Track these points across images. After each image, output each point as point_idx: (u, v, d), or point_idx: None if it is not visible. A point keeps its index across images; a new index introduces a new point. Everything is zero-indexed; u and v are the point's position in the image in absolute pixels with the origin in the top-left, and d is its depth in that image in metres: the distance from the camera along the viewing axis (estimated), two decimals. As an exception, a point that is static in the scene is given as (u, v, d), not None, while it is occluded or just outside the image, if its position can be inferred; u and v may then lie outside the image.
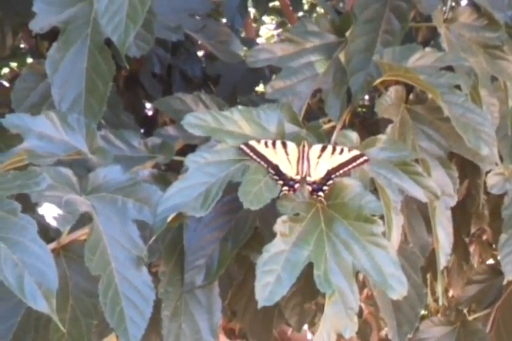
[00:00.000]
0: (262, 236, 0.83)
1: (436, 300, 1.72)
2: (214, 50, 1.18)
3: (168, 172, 0.90)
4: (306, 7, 1.98)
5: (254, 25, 1.78)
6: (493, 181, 1.10)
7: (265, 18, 2.42)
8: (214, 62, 1.37)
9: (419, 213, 1.01)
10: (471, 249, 1.63)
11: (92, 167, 0.81)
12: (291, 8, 1.62)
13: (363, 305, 1.55)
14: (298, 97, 0.92)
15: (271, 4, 1.77)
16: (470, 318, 1.16)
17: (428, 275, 1.47)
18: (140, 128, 1.33)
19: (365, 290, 1.42)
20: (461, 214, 1.39)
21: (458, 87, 0.88)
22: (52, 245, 0.78)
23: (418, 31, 1.18)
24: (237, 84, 1.33)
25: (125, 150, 0.92)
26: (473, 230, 1.42)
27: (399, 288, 0.74)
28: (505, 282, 1.12)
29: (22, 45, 1.70)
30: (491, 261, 1.67)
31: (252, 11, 1.73)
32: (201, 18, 1.21)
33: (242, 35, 1.69)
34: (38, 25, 0.95)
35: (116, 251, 0.74)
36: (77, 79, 0.94)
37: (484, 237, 1.57)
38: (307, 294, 1.09)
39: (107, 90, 0.93)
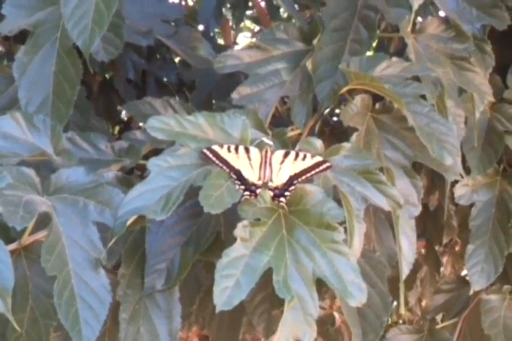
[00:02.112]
0: (223, 241, 0.83)
1: (410, 310, 1.72)
2: (184, 56, 1.18)
3: (133, 175, 0.90)
4: (284, 16, 1.99)
5: (232, 32, 1.78)
6: (460, 192, 1.11)
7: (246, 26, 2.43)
8: (189, 68, 1.37)
9: (386, 222, 1.01)
10: (444, 259, 1.64)
11: (57, 169, 0.81)
12: (268, 16, 1.63)
13: (336, 314, 1.55)
14: (264, 104, 0.92)
15: (249, 12, 1.79)
16: (437, 327, 1.17)
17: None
18: (112, 134, 1.34)
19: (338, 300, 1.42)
20: (433, 225, 1.41)
21: (423, 97, 0.88)
22: (14, 246, 0.78)
23: (390, 42, 1.19)
24: (212, 91, 1.33)
25: (91, 152, 0.91)
26: (445, 241, 1.43)
27: (358, 296, 0.74)
28: (471, 292, 1.13)
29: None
30: (465, 272, 1.68)
31: (230, 18, 1.74)
32: (174, 24, 1.21)
33: (221, 42, 1.70)
34: (7, 27, 0.96)
35: (74, 252, 0.74)
36: (44, 82, 0.95)
37: (457, 248, 1.58)
38: (275, 301, 1.09)
39: (74, 94, 0.94)
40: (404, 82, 0.88)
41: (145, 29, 1.16)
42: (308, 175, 0.78)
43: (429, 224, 1.43)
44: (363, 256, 0.95)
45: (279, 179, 0.78)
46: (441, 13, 1.06)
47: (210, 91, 1.33)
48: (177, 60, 1.54)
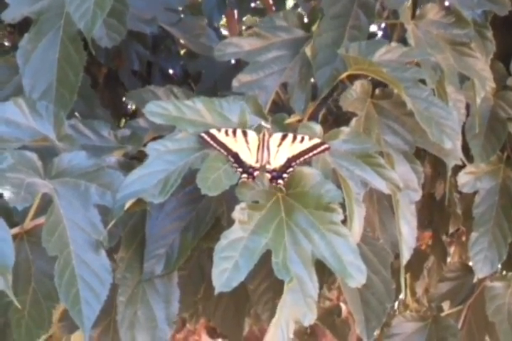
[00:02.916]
0: (223, 226, 0.83)
1: (417, 301, 1.72)
2: (188, 44, 1.19)
3: (135, 160, 0.90)
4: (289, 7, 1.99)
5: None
6: (464, 180, 1.11)
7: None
8: (194, 59, 1.37)
9: (390, 210, 1.01)
10: (451, 249, 1.64)
11: (59, 154, 0.82)
12: (274, 8, 1.63)
13: (342, 304, 1.55)
14: (264, 91, 0.92)
15: (254, 5, 1.78)
16: (442, 314, 1.17)
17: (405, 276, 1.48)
18: (118, 126, 1.35)
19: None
20: (439, 215, 1.41)
21: (423, 81, 0.88)
22: (16, 229, 0.79)
23: (393, 30, 1.19)
24: (217, 81, 1.33)
25: (94, 139, 0.92)
26: (452, 231, 1.43)
27: (358, 276, 0.74)
28: (475, 280, 1.12)
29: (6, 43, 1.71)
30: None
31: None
32: (177, 12, 1.22)
33: (226, 34, 1.71)
34: (10, 15, 0.97)
35: (75, 234, 0.75)
36: (48, 69, 0.95)
37: (463, 238, 1.58)
38: (279, 290, 1.09)
39: (78, 80, 0.94)
40: (403, 67, 0.88)
41: (149, 17, 1.16)
42: (307, 156, 0.78)
43: (435, 214, 1.43)
44: (366, 243, 0.95)
45: (277, 161, 0.78)
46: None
47: (216, 81, 1.33)
48: (182, 51, 1.54)
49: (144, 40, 1.36)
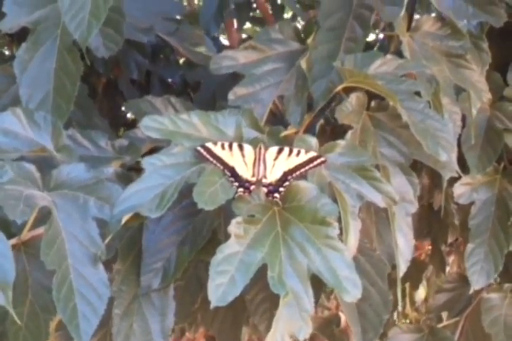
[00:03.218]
0: (219, 240, 0.83)
1: (416, 310, 1.72)
2: (186, 53, 1.19)
3: (133, 172, 0.91)
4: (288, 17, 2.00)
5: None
6: (460, 191, 1.11)
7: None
8: (193, 68, 1.38)
9: (387, 221, 1.01)
10: (450, 259, 1.64)
11: (57, 165, 0.82)
12: (272, 17, 1.63)
13: (341, 314, 1.55)
14: (260, 104, 0.93)
15: (253, 14, 1.79)
16: (439, 326, 1.17)
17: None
18: (116, 135, 1.35)
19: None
20: (438, 225, 1.41)
21: (418, 94, 0.89)
22: (14, 241, 0.79)
23: (391, 42, 1.19)
24: (216, 91, 1.34)
25: (92, 150, 0.92)
26: (450, 240, 1.43)
27: (353, 291, 0.74)
28: (471, 291, 1.12)
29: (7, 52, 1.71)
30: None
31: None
32: (175, 21, 1.22)
33: (226, 43, 1.71)
34: (8, 25, 0.97)
35: (74, 247, 0.75)
36: (45, 79, 0.96)
37: (462, 247, 1.58)
38: (276, 300, 1.09)
39: (74, 90, 0.94)
40: (398, 79, 0.88)
41: (146, 26, 1.17)
42: (303, 170, 0.79)
43: (434, 224, 1.43)
44: (364, 254, 0.95)
45: (273, 175, 0.78)
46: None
47: (214, 91, 1.33)
48: (181, 60, 1.54)
49: (142, 49, 1.37)
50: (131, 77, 1.40)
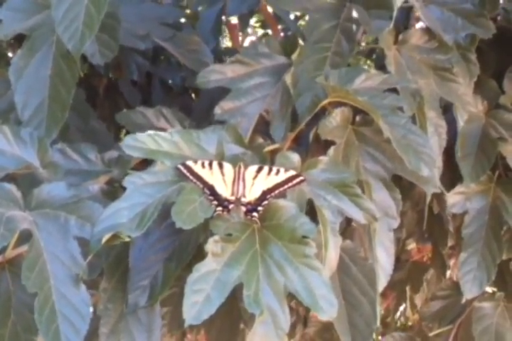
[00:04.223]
0: (204, 256, 0.84)
1: (417, 312, 1.72)
2: (183, 59, 1.19)
3: (120, 187, 0.91)
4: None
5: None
6: (453, 200, 1.11)
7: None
8: (194, 73, 1.38)
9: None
10: (451, 262, 1.63)
11: (42, 181, 0.83)
12: (274, 20, 1.63)
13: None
14: (246, 118, 0.93)
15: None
16: (431, 334, 1.17)
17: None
18: (116, 136, 1.36)
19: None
20: (438, 228, 1.41)
21: (401, 109, 0.89)
22: (-3, 259, 0.80)
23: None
24: (215, 98, 1.34)
25: (81, 163, 0.93)
26: (451, 243, 1.43)
27: (329, 310, 0.74)
28: (463, 300, 1.13)
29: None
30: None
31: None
32: (171, 26, 1.22)
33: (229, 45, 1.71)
34: (3, 32, 0.98)
35: (56, 268, 0.75)
36: (40, 86, 0.96)
37: (461, 251, 1.58)
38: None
39: (69, 97, 0.95)
40: (381, 94, 0.88)
41: (143, 32, 1.17)
42: (282, 189, 0.79)
43: (434, 227, 1.43)
44: (356, 263, 0.96)
45: (252, 194, 0.79)
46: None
47: (213, 99, 1.34)
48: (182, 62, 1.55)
49: (143, 50, 1.37)
50: (131, 79, 1.41)
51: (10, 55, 1.74)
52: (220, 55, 1.40)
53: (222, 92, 1.30)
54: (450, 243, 1.42)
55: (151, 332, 0.87)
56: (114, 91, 1.46)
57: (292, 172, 0.80)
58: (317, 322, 1.43)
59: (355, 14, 0.95)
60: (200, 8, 1.56)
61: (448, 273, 1.58)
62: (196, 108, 1.32)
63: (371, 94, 0.88)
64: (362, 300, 0.97)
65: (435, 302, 1.24)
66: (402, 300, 1.61)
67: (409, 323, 1.79)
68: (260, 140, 0.95)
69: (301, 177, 0.80)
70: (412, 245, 1.54)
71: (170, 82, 1.50)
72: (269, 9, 1.72)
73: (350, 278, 0.93)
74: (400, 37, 0.98)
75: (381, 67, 1.04)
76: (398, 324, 1.76)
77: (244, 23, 1.66)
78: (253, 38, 2.55)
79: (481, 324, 1.13)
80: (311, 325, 1.39)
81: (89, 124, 1.15)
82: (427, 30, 0.98)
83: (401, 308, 1.70)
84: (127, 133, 1.53)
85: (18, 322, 0.79)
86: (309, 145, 0.98)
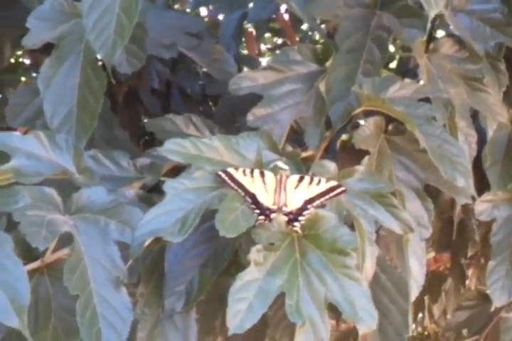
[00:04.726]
0: (241, 262, 0.84)
1: (435, 322, 1.73)
2: (208, 68, 1.20)
3: (155, 193, 0.92)
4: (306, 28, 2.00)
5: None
6: (481, 208, 1.11)
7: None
8: (213, 81, 1.38)
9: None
10: (469, 272, 1.64)
11: (79, 186, 0.83)
12: (291, 28, 1.64)
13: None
14: (279, 125, 0.93)
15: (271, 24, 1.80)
16: (460, 344, 1.17)
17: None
18: (135, 144, 1.36)
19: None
20: (458, 238, 1.41)
21: (435, 118, 0.89)
22: (36, 264, 0.80)
23: (409, 58, 1.20)
24: (235, 105, 1.34)
25: (114, 170, 0.93)
26: (471, 253, 1.43)
27: (369, 321, 0.75)
28: (492, 309, 1.12)
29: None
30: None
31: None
32: (196, 36, 1.23)
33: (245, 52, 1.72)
34: (31, 41, 0.98)
35: (96, 271, 0.75)
36: (69, 94, 0.96)
37: (482, 260, 1.58)
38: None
39: (98, 106, 0.95)
40: (416, 104, 0.89)
41: (168, 42, 1.18)
42: (323, 199, 0.79)
43: (454, 238, 1.43)
44: (385, 272, 0.96)
45: (294, 203, 0.79)
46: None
47: (233, 105, 1.34)
48: (201, 70, 1.55)
49: (163, 58, 1.37)
50: (152, 86, 1.41)
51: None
52: (237, 63, 1.40)
53: (242, 100, 1.31)
54: (470, 253, 1.42)
55: (186, 337, 0.87)
56: (134, 99, 1.46)
57: (333, 183, 0.81)
58: (336, 331, 1.43)
59: (386, 22, 0.95)
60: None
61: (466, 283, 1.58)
62: (216, 115, 1.33)
63: (405, 103, 0.88)
64: (391, 308, 0.96)
65: (461, 313, 1.23)
66: (420, 309, 1.61)
67: (427, 333, 1.79)
68: (290, 147, 0.95)
69: (342, 188, 0.80)
70: (429, 254, 1.54)
71: (188, 90, 1.50)
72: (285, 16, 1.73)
73: (379, 287, 0.94)
74: (431, 46, 0.98)
75: (403, 75, 1.05)
76: (415, 333, 1.75)
77: (261, 31, 1.67)
78: (268, 46, 2.56)
79: (509, 334, 1.12)
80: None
81: (113, 133, 1.16)
82: (458, 39, 0.98)
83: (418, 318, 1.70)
84: (146, 141, 1.54)
85: (59, 325, 0.79)
86: (337, 153, 0.99)
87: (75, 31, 0.97)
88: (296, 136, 0.99)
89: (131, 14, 0.88)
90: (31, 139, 0.85)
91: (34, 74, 1.63)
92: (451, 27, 0.98)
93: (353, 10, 0.98)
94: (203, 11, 2.15)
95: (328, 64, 0.95)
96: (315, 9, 1.00)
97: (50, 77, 0.97)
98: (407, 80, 0.91)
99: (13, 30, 1.38)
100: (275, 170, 0.81)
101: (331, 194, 0.80)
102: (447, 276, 1.56)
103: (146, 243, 0.75)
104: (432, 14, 0.87)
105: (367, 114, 0.94)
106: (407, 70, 1.14)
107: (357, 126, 0.93)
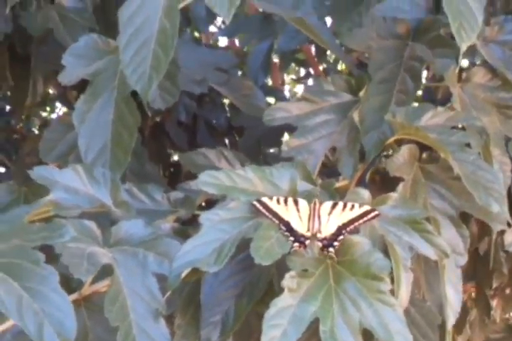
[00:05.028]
0: (275, 291, 0.85)
1: (459, 354, 1.69)
2: (237, 103, 1.22)
3: (189, 226, 0.93)
4: (331, 59, 2.02)
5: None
6: (511, 239, 1.10)
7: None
8: (238, 112, 1.41)
9: (437, 270, 1.01)
10: (494, 302, 1.61)
11: (116, 219, 0.85)
12: (315, 59, 1.66)
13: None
14: (313, 155, 0.94)
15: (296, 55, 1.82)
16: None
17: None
18: (164, 178, 1.38)
19: None
20: (483, 270, 1.39)
21: (469, 145, 0.90)
22: (74, 296, 0.81)
23: (437, 89, 1.21)
24: (260, 137, 1.36)
25: (148, 203, 0.95)
26: (496, 284, 1.41)
27: (404, 345, 0.75)
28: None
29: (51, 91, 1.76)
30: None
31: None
32: (226, 71, 1.25)
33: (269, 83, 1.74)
34: (67, 78, 1.00)
35: (135, 303, 0.76)
36: (103, 130, 0.99)
37: (507, 291, 1.55)
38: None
39: (132, 141, 0.98)
40: (449, 131, 0.89)
41: (199, 77, 1.20)
42: (357, 223, 0.80)
43: (479, 269, 1.42)
44: (414, 305, 0.95)
45: (328, 230, 0.80)
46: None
47: (259, 137, 1.36)
48: (226, 103, 1.58)
49: (190, 92, 1.40)
50: (178, 120, 1.43)
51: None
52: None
53: (268, 132, 1.33)
54: (495, 284, 1.40)
55: (223, 366, 0.88)
56: (160, 132, 1.49)
57: (367, 207, 0.81)
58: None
59: (419, 53, 0.97)
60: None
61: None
62: (241, 147, 1.35)
63: (439, 130, 0.89)
64: (421, 341, 0.96)
65: (489, 345, 1.22)
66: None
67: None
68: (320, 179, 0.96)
69: (376, 212, 0.81)
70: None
71: (214, 122, 1.52)
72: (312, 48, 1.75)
73: (409, 319, 0.92)
74: (464, 75, 0.99)
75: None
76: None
77: (286, 61, 1.69)
78: (293, 77, 2.59)
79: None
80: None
81: (144, 168, 1.18)
82: (490, 69, 0.99)
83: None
84: (171, 174, 1.56)
85: (97, 358, 0.80)
86: (368, 182, 0.99)
87: (109, 68, 1.00)
88: (325, 169, 1.00)
89: (167, 49, 0.90)
90: (69, 173, 0.88)
91: (57, 104, 1.65)
92: (475, 57, 0.99)
93: (387, 41, 1.00)
94: (223, 41, 2.18)
95: (361, 94, 0.97)
96: (349, 41, 1.02)
97: (84, 113, 1.00)
98: (440, 108, 0.92)
99: (46, 66, 1.42)
100: (309, 197, 0.82)
101: (365, 218, 0.80)
102: (472, 307, 1.54)
103: (183, 274, 0.77)
104: (463, 47, 0.89)
105: (399, 143, 0.94)
106: (432, 100, 1.14)
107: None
